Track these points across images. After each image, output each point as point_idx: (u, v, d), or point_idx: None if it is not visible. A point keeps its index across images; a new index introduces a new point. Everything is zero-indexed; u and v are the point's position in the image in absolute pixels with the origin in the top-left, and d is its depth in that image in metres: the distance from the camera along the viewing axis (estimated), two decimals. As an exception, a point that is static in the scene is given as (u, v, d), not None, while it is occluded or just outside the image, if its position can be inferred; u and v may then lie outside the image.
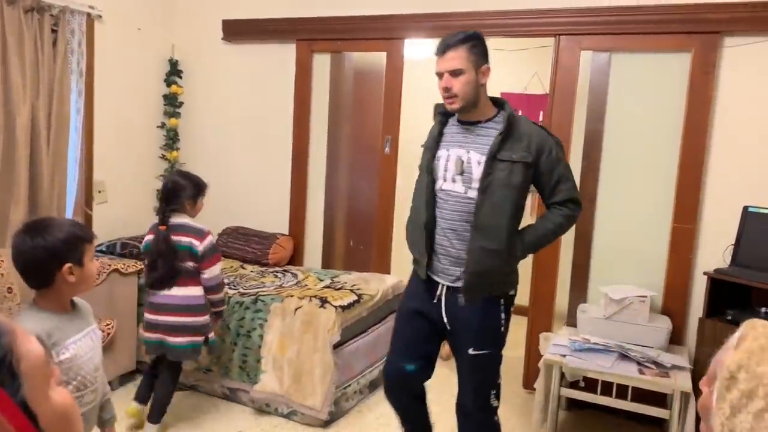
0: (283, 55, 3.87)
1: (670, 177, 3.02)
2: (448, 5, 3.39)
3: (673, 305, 3.03)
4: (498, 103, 2.15)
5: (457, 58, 2.01)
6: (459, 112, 2.11)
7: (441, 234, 2.12)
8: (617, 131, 3.14)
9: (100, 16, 3.64)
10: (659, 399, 2.74)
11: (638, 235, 3.12)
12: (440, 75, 2.06)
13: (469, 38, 2.03)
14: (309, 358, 2.91)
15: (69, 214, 3.59)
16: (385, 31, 3.56)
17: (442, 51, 2.05)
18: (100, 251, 3.58)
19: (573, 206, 2.13)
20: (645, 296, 2.87)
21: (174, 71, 4.20)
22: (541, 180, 2.11)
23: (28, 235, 1.52)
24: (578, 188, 2.21)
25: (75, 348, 1.56)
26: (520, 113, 4.84)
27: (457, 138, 2.14)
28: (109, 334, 2.91)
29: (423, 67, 4.89)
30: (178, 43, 4.22)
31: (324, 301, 3.02)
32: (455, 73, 2.02)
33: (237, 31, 3.99)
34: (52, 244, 1.51)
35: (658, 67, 3.04)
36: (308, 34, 3.78)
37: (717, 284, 2.73)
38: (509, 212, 2.06)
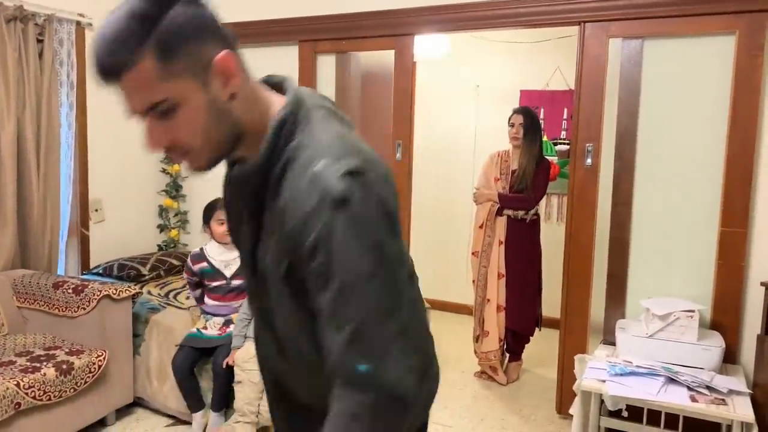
0: (286, 57, 3.63)
1: (716, 175, 2.69)
2: (460, -4, 3.12)
3: (725, 320, 2.69)
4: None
5: (143, 83, 0.85)
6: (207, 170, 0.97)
7: None
8: (653, 126, 2.82)
9: (90, 24, 3.44)
10: (714, 429, 2.41)
11: (681, 241, 2.79)
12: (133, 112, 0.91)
13: (144, 29, 0.83)
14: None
15: (63, 234, 3.39)
16: (392, 27, 3.29)
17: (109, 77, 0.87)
18: (97, 274, 3.36)
19: (359, 395, 0.85)
20: (693, 311, 2.54)
21: (173, 80, 3.98)
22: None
23: None
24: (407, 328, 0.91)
25: None
26: (541, 111, 4.59)
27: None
28: (100, 366, 2.67)
29: (437, 66, 4.65)
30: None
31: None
32: (162, 113, 0.88)
33: (237, 33, 3.75)
34: None
35: (697, 53, 2.71)
36: (311, 35, 3.53)
37: (777, 296, 2.40)
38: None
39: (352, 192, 0.84)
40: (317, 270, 0.86)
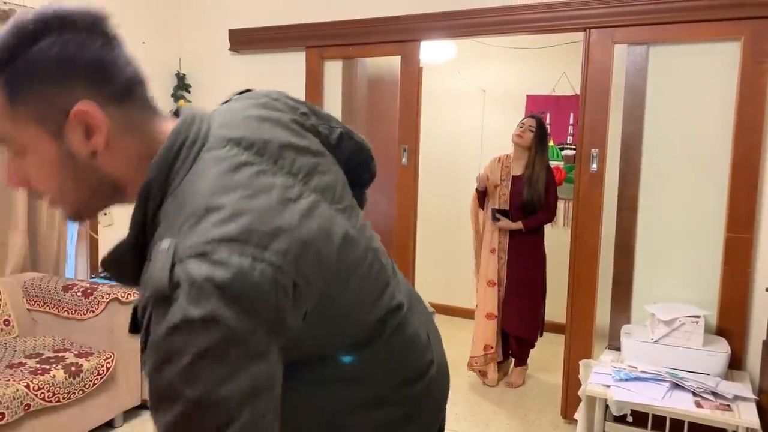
0: (293, 63, 3.66)
1: (722, 181, 2.69)
2: (465, 2, 3.13)
3: (730, 325, 2.69)
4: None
5: None
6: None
7: None
8: (659, 131, 2.83)
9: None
10: (720, 434, 2.40)
11: (687, 246, 2.79)
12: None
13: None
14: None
15: (72, 239, 3.42)
16: (398, 33, 3.32)
17: None
18: (105, 277, 3.40)
19: None
20: (698, 316, 2.54)
21: (182, 85, 4.02)
22: None
23: None
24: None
25: None
26: (548, 116, 4.61)
27: None
28: (108, 368, 2.70)
29: (443, 71, 4.67)
30: (185, 55, 4.04)
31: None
32: (14, 153, 0.77)
33: (244, 40, 3.80)
34: None
35: (703, 59, 2.72)
36: (318, 41, 3.56)
37: (782, 302, 2.39)
38: None
39: (177, 290, 0.64)
40: None
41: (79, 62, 0.72)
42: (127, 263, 0.79)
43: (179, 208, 0.71)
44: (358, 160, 1.13)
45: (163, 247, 0.67)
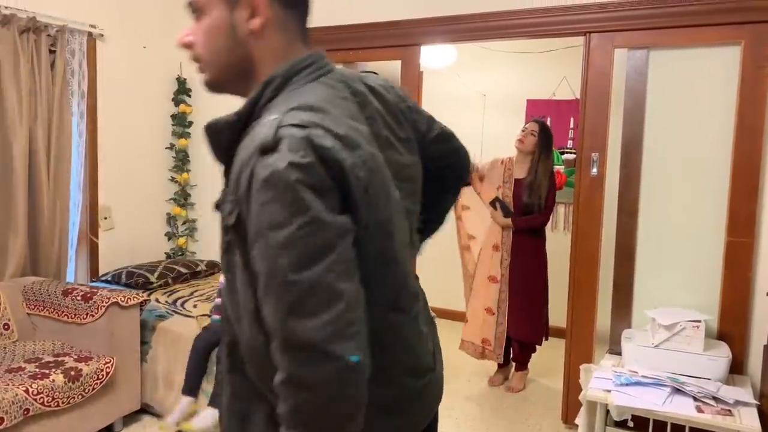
0: (293, 68, 3.65)
1: (722, 185, 2.69)
2: (466, 7, 3.14)
3: (731, 330, 2.68)
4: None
5: None
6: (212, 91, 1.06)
7: None
8: (659, 136, 2.83)
9: (102, 35, 3.49)
10: (721, 439, 2.39)
11: (687, 250, 2.79)
12: None
13: None
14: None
15: (73, 242, 3.43)
16: (399, 38, 3.32)
17: None
18: (105, 281, 3.40)
19: (280, 379, 0.84)
20: (699, 321, 2.53)
21: (182, 90, 4.03)
22: None
23: None
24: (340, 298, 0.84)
25: None
26: (548, 120, 4.60)
27: None
28: (108, 373, 2.70)
29: (443, 75, 4.67)
30: (186, 60, 4.03)
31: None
32: (193, 12, 1.02)
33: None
34: None
35: (702, 63, 2.72)
36: (318, 45, 3.55)
37: (783, 306, 2.39)
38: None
39: (281, 142, 0.82)
40: (246, 221, 0.85)
41: None
42: (223, 135, 0.96)
43: (287, 102, 0.90)
44: (448, 161, 1.24)
45: (270, 118, 0.87)
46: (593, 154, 2.93)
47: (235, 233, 0.89)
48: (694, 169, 2.76)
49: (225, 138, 0.96)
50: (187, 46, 1.02)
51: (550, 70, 4.50)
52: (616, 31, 2.84)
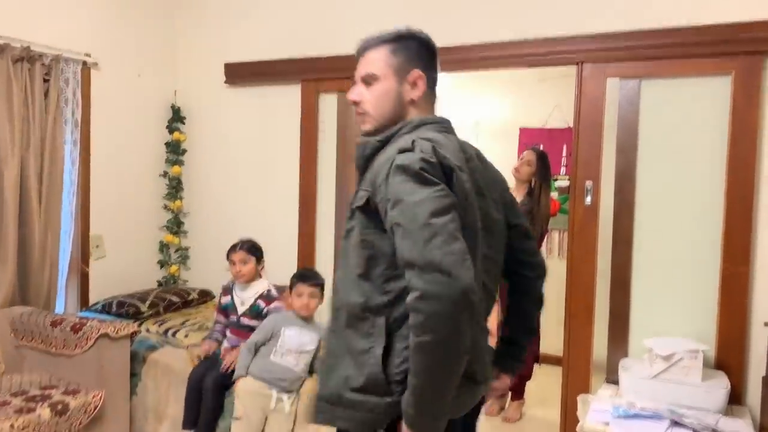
0: (288, 97, 3.68)
1: (717, 214, 2.69)
2: (460, 37, 3.17)
3: (729, 359, 2.66)
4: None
5: (373, 60, 1.43)
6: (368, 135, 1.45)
7: None
8: (652, 165, 2.84)
9: (96, 64, 3.50)
10: (722, 473, 2.35)
11: (683, 279, 2.78)
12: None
13: (395, 38, 1.43)
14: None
15: (63, 271, 3.38)
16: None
17: (360, 54, 1.49)
18: (96, 310, 3.35)
19: (415, 296, 1.13)
20: (697, 351, 2.51)
21: (177, 118, 4.03)
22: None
23: None
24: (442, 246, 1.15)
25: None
26: (541, 147, 4.60)
27: None
28: (96, 407, 2.64)
29: (436, 102, 4.69)
30: (180, 88, 4.06)
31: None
32: (367, 81, 1.43)
33: (240, 74, 3.82)
34: None
35: (694, 94, 2.74)
36: (313, 74, 3.58)
37: (781, 336, 2.37)
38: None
39: (402, 160, 1.23)
40: (385, 197, 1.23)
41: (423, 56, 1.43)
42: (368, 150, 1.39)
43: (414, 135, 1.32)
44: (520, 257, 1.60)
45: (407, 137, 1.32)
46: (587, 182, 2.94)
47: (361, 212, 1.30)
48: (688, 198, 2.77)
49: (368, 152, 1.38)
50: (356, 103, 1.44)
51: (543, 98, 4.54)
52: (609, 61, 2.87)
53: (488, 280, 1.39)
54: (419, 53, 1.43)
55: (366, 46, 1.45)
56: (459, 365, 1.15)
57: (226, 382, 2.70)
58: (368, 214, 1.29)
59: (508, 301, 1.61)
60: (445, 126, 1.44)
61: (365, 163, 1.39)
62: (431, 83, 1.45)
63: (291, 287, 2.75)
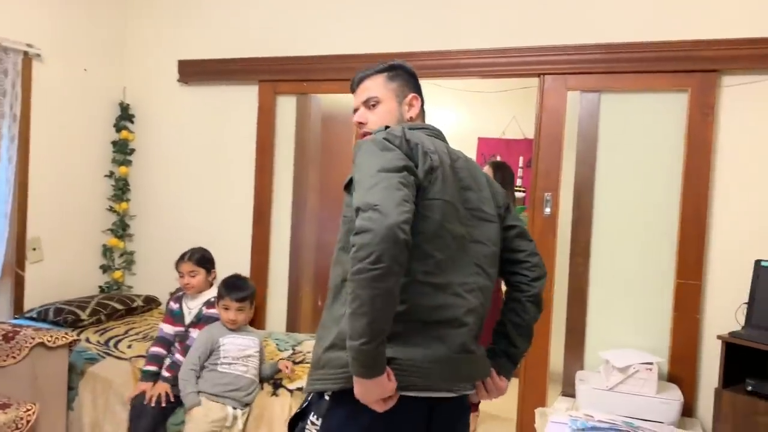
0: (245, 97, 3.56)
1: (671, 228, 2.73)
2: (421, 44, 3.14)
3: (681, 372, 2.70)
4: None
5: (372, 87, 1.64)
6: None
7: None
8: (610, 178, 2.86)
9: (38, 55, 3.30)
10: (675, 485, 2.37)
11: (638, 292, 2.81)
12: (355, 111, 1.68)
13: (388, 68, 1.65)
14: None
15: (-5, 275, 3.14)
16: (351, 72, 3.23)
17: (357, 84, 1.69)
18: (30, 318, 3.13)
19: (353, 233, 1.26)
20: (652, 363, 2.53)
21: (125, 116, 3.84)
22: None
23: None
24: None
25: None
26: (498, 158, 4.62)
27: None
28: (29, 422, 2.45)
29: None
30: (130, 85, 3.87)
31: (277, 386, 2.61)
32: (370, 103, 1.63)
33: (194, 71, 3.67)
34: None
35: (652, 109, 2.79)
36: (271, 75, 3.48)
37: (732, 349, 2.41)
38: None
39: (371, 136, 1.44)
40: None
41: (412, 81, 1.67)
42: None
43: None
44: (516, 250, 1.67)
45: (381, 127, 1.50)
46: (546, 194, 2.94)
47: (346, 191, 1.42)
48: (644, 211, 2.80)
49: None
50: (361, 124, 1.63)
51: (501, 109, 4.56)
52: (570, 73, 2.89)
53: (485, 264, 1.50)
54: (409, 80, 1.66)
55: (362, 77, 1.65)
56: (386, 295, 1.23)
57: (168, 414, 2.56)
58: (350, 192, 1.41)
59: (507, 300, 1.63)
60: (434, 132, 1.59)
61: None
62: (423, 102, 1.69)
63: (219, 298, 2.64)
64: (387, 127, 1.48)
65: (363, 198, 1.27)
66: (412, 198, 1.31)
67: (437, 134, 1.60)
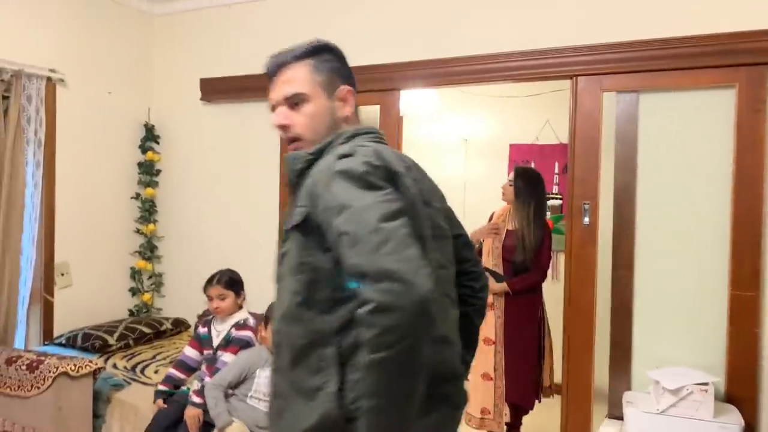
0: (267, 113, 3.47)
1: (723, 234, 2.52)
2: (448, 50, 3.01)
3: (740, 392, 2.48)
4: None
5: (295, 79, 1.28)
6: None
7: None
8: (653, 183, 2.67)
9: (62, 80, 3.30)
10: None
11: (689, 305, 2.60)
12: (274, 108, 1.33)
13: (312, 51, 1.31)
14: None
15: (24, 301, 3.14)
16: (377, 83, 3.17)
17: (274, 72, 1.33)
18: (60, 344, 3.10)
19: (368, 309, 0.99)
20: (707, 383, 2.33)
21: (150, 137, 3.82)
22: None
23: None
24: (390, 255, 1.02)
25: None
26: (532, 164, 4.44)
27: None
28: (53, 454, 2.39)
29: (424, 119, 4.54)
30: (154, 106, 3.86)
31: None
32: (294, 101, 1.28)
33: (216, 89, 3.63)
34: None
35: (696, 107, 2.59)
36: (293, 90, 3.39)
37: (798, 367, 2.20)
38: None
39: (343, 165, 1.13)
40: (328, 207, 1.10)
41: (342, 68, 1.33)
42: (299, 163, 1.24)
43: (353, 145, 1.21)
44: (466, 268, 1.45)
45: (344, 147, 1.20)
46: (584, 202, 2.77)
47: (298, 231, 1.16)
48: (691, 217, 2.60)
49: (300, 166, 1.24)
50: (284, 127, 1.29)
51: (533, 113, 4.38)
52: (604, 74, 2.71)
53: (450, 291, 1.29)
54: (339, 66, 1.33)
55: (279, 64, 1.30)
56: (417, 384, 1.02)
57: None
58: (307, 233, 1.15)
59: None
60: (379, 136, 1.31)
61: (297, 178, 1.25)
62: (355, 94, 1.35)
63: (267, 319, 2.50)
64: (349, 137, 1.23)
65: (373, 262, 1.00)
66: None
67: (382, 138, 1.32)
